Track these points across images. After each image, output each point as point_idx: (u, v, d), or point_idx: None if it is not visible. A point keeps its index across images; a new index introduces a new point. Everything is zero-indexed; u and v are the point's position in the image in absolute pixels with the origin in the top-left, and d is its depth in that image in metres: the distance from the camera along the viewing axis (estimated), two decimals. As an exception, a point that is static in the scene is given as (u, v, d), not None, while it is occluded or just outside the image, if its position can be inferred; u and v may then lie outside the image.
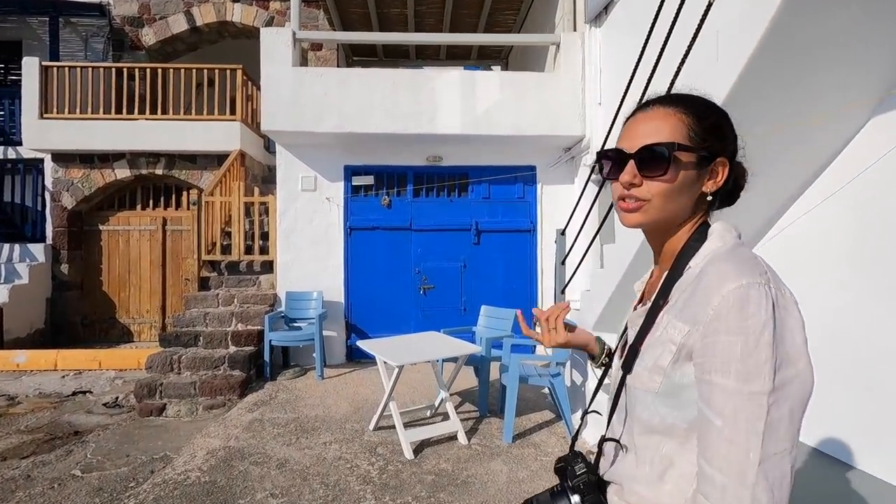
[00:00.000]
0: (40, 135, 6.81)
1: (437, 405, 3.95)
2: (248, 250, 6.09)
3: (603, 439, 0.86)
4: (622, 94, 3.15)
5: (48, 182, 7.25)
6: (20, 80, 7.48)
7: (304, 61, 7.85)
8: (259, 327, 5.34)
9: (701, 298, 0.68)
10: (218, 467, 3.21)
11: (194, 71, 7.07)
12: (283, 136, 5.45)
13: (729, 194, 0.81)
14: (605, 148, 0.92)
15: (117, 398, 5.01)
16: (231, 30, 8.65)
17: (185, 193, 7.57)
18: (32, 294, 6.84)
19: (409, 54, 8.64)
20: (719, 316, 0.65)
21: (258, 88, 7.77)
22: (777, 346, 0.63)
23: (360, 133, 5.22)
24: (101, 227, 7.48)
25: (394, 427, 3.47)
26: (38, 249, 7.08)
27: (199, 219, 5.82)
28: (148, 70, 7.02)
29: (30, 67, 6.82)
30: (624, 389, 0.80)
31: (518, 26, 7.58)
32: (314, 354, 5.62)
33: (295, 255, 5.74)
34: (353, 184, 5.77)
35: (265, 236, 6.07)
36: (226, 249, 6.10)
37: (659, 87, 2.20)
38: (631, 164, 0.76)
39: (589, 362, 1.18)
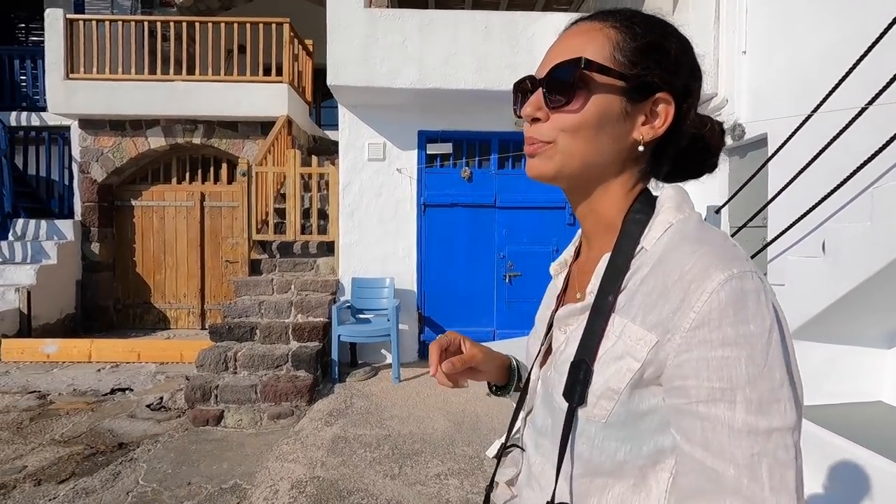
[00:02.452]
0: (66, 98, 6.05)
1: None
2: (303, 229, 5.31)
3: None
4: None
5: (75, 152, 6.51)
6: (42, 42, 6.75)
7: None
8: (322, 319, 4.58)
9: (673, 296, 0.50)
10: (313, 511, 2.46)
11: (235, 25, 6.22)
12: (349, 94, 4.60)
13: (688, 156, 0.60)
14: (520, 79, 0.62)
15: (161, 398, 4.31)
16: (270, -16, 7.77)
17: (224, 165, 6.79)
18: (61, 276, 6.17)
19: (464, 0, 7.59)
20: (706, 322, 0.47)
21: (305, 49, 6.95)
22: (790, 360, 0.48)
23: (443, 90, 4.34)
24: (133, 203, 6.75)
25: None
26: (66, 226, 6.39)
27: (249, 192, 5.04)
28: (185, 24, 6.19)
29: (53, 20, 6.03)
30: (550, 416, 0.61)
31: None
32: (383, 351, 4.88)
33: (359, 236, 4.94)
34: (428, 152, 4.92)
35: (322, 214, 5.28)
36: (278, 228, 5.33)
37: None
38: (538, 93, 0.58)
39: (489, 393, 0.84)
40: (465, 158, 4.98)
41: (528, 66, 4.31)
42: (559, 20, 4.30)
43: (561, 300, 0.69)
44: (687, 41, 0.61)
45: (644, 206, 0.59)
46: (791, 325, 2.67)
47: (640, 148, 0.58)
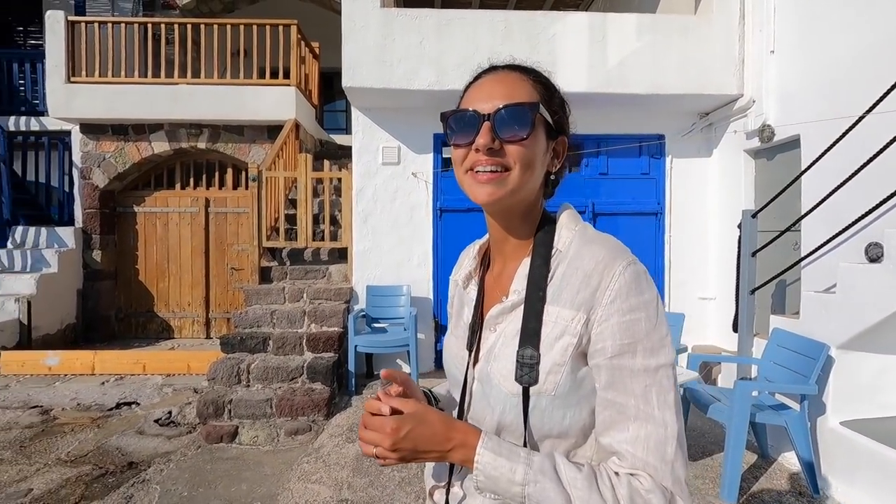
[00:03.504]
0: (67, 101, 5.88)
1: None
2: (314, 236, 5.15)
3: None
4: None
5: (76, 157, 6.33)
6: (41, 45, 6.58)
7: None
8: (336, 329, 4.42)
9: (593, 280, 0.66)
10: (345, 539, 2.30)
11: (242, 27, 6.08)
12: (364, 97, 4.46)
13: (554, 183, 0.78)
14: (451, 110, 0.72)
15: (170, 413, 4.14)
16: (274, -14, 7.64)
17: (229, 170, 6.64)
18: (62, 284, 5.98)
19: (471, 1, 7.45)
20: (618, 296, 0.64)
21: (311, 51, 6.82)
22: (665, 318, 0.66)
23: (461, 91, 4.20)
24: (136, 209, 6.58)
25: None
26: (66, 234, 6.20)
27: (260, 197, 4.88)
28: (189, 27, 6.04)
29: (54, 22, 5.87)
30: (499, 405, 0.70)
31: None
32: (399, 361, 4.73)
33: (373, 242, 4.79)
34: (445, 156, 4.78)
35: (334, 220, 5.13)
36: (288, 234, 5.17)
37: None
38: (487, 126, 0.66)
39: None
40: (481, 162, 4.85)
41: (549, 66, 4.10)
42: (581, 21, 4.20)
43: (480, 307, 0.78)
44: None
45: (547, 221, 0.75)
46: (843, 335, 2.55)
47: (552, 177, 0.76)
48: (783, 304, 3.83)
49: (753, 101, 4.11)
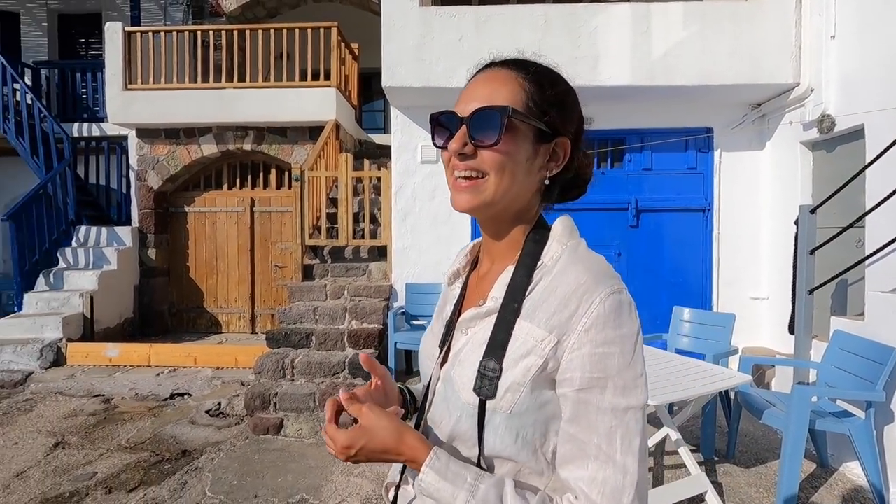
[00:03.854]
0: (124, 108, 6.22)
1: (650, 445, 2.92)
2: (354, 234, 5.24)
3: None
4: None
5: (133, 160, 6.70)
6: (101, 55, 6.99)
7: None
8: (376, 325, 4.49)
9: (571, 304, 0.62)
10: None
11: (284, 31, 6.25)
12: (403, 96, 4.50)
13: (570, 187, 0.75)
14: (439, 111, 0.70)
15: (219, 404, 4.32)
16: (315, -10, 7.81)
17: (273, 171, 6.85)
18: (121, 281, 6.34)
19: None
20: (594, 326, 0.60)
21: (351, 53, 6.93)
22: (643, 357, 0.62)
23: (500, 88, 4.18)
24: (186, 209, 6.89)
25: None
26: (124, 233, 6.57)
27: (302, 197, 5.02)
28: (235, 33, 6.26)
29: (113, 33, 6.22)
30: (457, 412, 0.67)
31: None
32: (438, 358, 4.75)
33: (412, 240, 4.84)
34: (483, 153, 4.77)
35: (374, 218, 5.20)
36: (329, 233, 5.29)
37: None
38: (462, 129, 0.65)
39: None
40: (520, 159, 4.80)
41: (591, 59, 4.11)
42: (624, 12, 4.08)
43: (460, 307, 0.76)
44: (574, 92, 0.72)
45: (540, 229, 0.71)
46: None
47: (546, 182, 0.70)
48: (844, 304, 3.61)
49: (812, 90, 3.89)
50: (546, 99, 0.67)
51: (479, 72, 0.72)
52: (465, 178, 0.66)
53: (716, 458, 2.95)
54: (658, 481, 2.70)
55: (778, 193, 4.39)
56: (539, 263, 0.68)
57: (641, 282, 4.70)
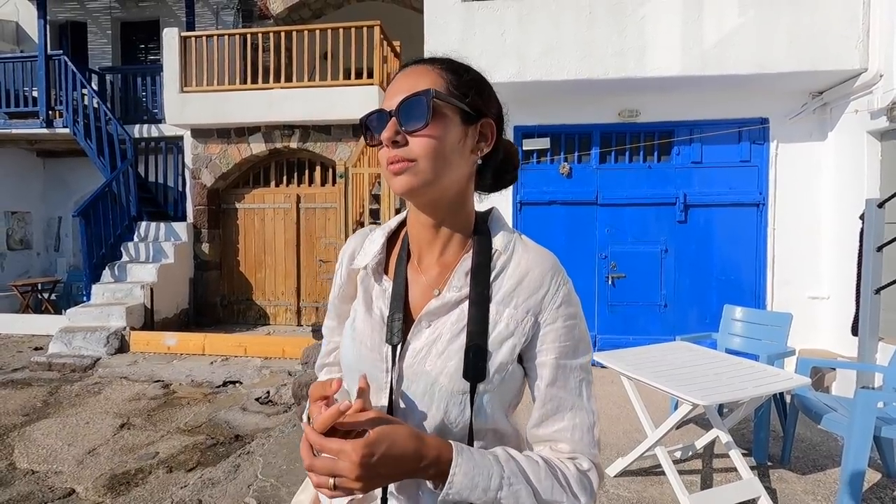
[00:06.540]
0: (180, 109, 6.56)
1: (699, 447, 2.84)
2: (396, 229, 5.32)
3: None
4: None
5: (188, 159, 7.07)
6: (159, 59, 7.40)
7: None
8: (418, 320, 4.55)
9: (541, 288, 0.71)
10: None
11: (329, 31, 6.40)
12: (445, 92, 4.52)
13: (502, 171, 0.79)
14: (367, 113, 0.72)
15: (268, 392, 4.51)
16: (358, -11, 7.94)
17: (318, 168, 7.05)
18: (177, 274, 6.71)
19: None
20: (564, 302, 0.71)
21: (393, 50, 7.02)
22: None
23: (542, 82, 4.14)
24: (237, 206, 7.21)
25: (647, 474, 2.43)
26: (181, 228, 6.95)
27: (346, 193, 5.14)
28: (283, 34, 6.47)
29: (170, 39, 6.56)
30: (444, 401, 0.69)
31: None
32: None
33: (453, 236, 4.85)
34: (525, 148, 4.73)
35: (415, 213, 5.26)
36: (371, 228, 5.38)
37: None
38: (392, 121, 0.67)
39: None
40: (563, 153, 4.73)
41: (638, 51, 3.99)
42: (673, 1, 3.93)
43: (405, 300, 0.74)
44: (488, 82, 0.77)
45: (484, 217, 0.77)
46: None
47: (479, 161, 0.73)
48: (915, 305, 3.36)
49: (881, 76, 3.63)
50: (464, 83, 0.71)
51: (396, 74, 0.74)
52: (398, 163, 0.67)
53: (769, 464, 2.82)
54: (707, 484, 2.61)
55: (841, 187, 4.13)
56: (494, 251, 0.72)
57: (689, 279, 4.54)
